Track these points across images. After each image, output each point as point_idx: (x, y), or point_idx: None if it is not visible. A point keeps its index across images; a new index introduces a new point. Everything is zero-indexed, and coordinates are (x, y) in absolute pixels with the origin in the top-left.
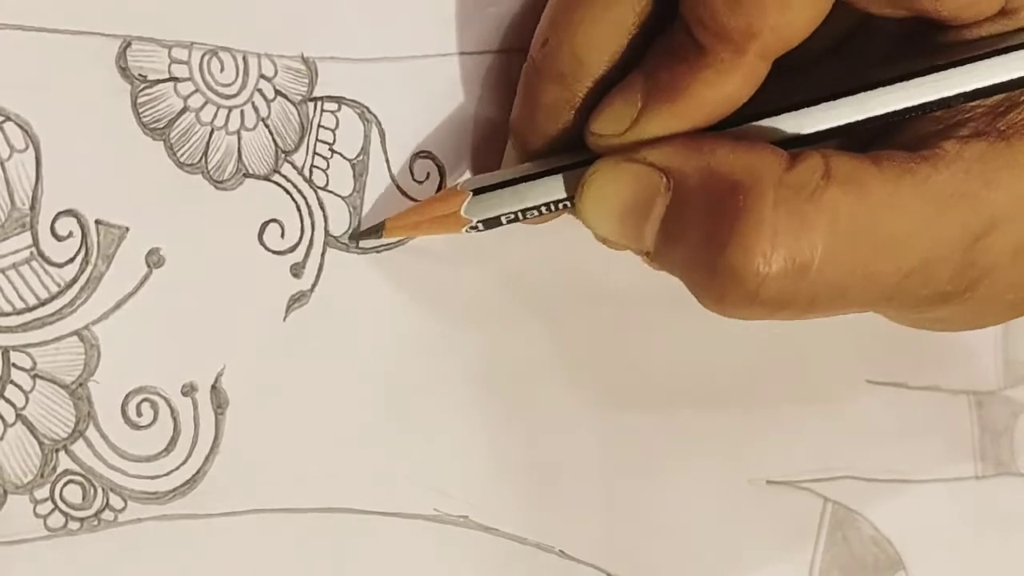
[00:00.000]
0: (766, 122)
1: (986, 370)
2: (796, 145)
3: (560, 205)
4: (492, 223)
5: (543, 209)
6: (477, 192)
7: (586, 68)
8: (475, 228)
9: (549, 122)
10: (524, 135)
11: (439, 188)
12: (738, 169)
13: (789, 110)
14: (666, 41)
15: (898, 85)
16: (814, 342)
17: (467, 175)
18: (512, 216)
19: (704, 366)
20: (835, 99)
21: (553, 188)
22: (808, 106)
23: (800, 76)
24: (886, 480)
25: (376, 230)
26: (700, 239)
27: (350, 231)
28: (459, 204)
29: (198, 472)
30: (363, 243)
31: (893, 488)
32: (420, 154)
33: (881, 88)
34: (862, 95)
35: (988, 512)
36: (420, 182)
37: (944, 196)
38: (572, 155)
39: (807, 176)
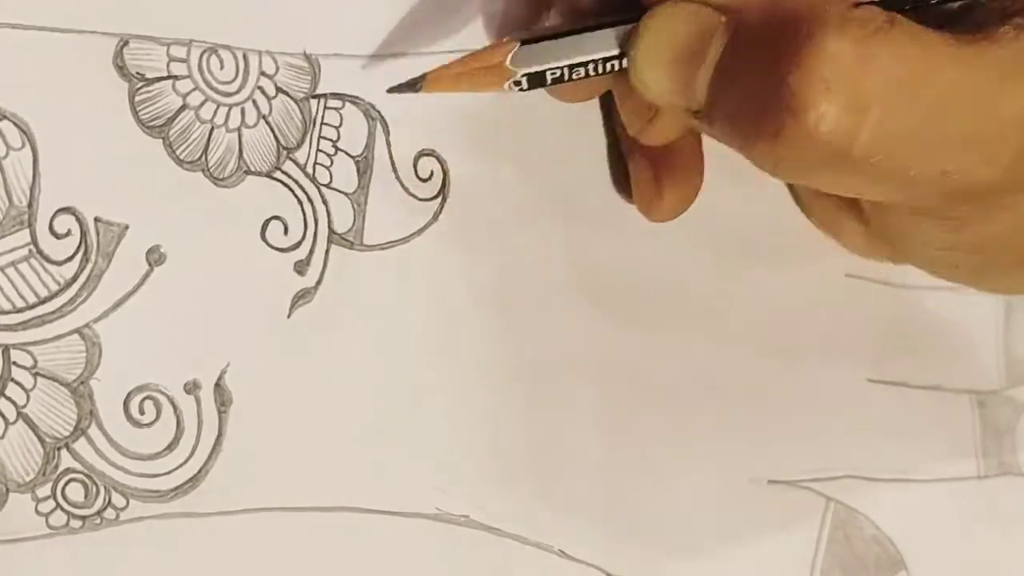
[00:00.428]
0: None
1: (988, 369)
2: None
3: (609, 65)
4: (537, 80)
5: (592, 69)
6: (525, 42)
7: None
8: (519, 84)
9: None
10: None
11: (443, 186)
12: (802, 2)
13: None
14: None
15: None
16: (815, 341)
17: (471, 173)
18: (558, 73)
19: (705, 365)
20: None
21: (604, 43)
22: None
23: None
24: (888, 479)
25: (415, 83)
26: (759, 75)
27: (361, 233)
28: (506, 54)
29: (201, 470)
30: (395, 95)
31: (895, 487)
32: (424, 151)
33: None
34: None
35: (990, 511)
36: (424, 180)
37: (1005, 69)
38: (624, 13)
39: (872, 15)
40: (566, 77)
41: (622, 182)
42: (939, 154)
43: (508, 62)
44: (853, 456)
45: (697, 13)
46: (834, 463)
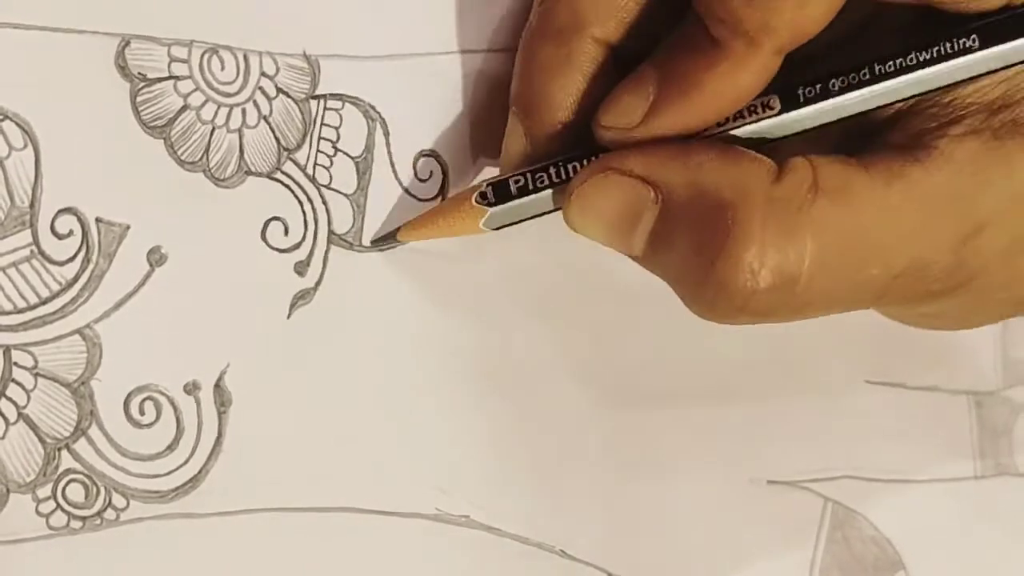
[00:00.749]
0: (763, 123)
1: (986, 370)
2: (791, 137)
3: None
4: (507, 226)
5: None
6: (493, 205)
7: (583, 23)
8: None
9: (549, 87)
10: (525, 106)
11: (442, 187)
12: (725, 185)
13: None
14: (679, 34)
15: (896, 78)
16: (814, 342)
17: (471, 174)
18: (526, 219)
19: (705, 366)
20: (833, 94)
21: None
22: (805, 104)
23: (807, 67)
24: (886, 480)
25: (391, 239)
26: (689, 252)
27: (360, 234)
28: (477, 219)
29: (201, 471)
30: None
31: (893, 488)
32: (424, 152)
33: (883, 81)
34: (862, 90)
35: (988, 512)
36: (424, 180)
37: (935, 199)
38: (577, 150)
39: (794, 189)
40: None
41: None
42: (871, 288)
43: (481, 226)
44: (852, 457)
45: (626, 186)
46: (833, 464)
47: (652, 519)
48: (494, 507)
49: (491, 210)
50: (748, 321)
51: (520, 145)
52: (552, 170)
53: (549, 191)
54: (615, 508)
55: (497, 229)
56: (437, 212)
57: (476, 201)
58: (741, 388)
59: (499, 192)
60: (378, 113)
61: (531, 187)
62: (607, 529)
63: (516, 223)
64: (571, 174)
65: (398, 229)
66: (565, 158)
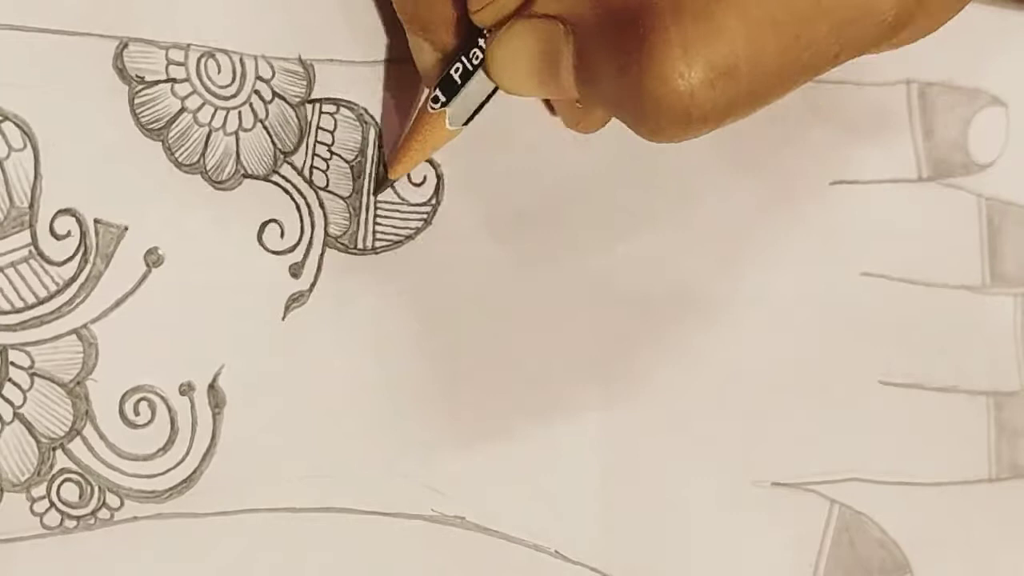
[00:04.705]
0: None
1: (1008, 370)
2: None
3: None
4: (472, 118)
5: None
6: (448, 104)
7: None
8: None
9: (434, 6)
10: (422, 23)
11: (436, 190)
12: None
13: None
14: None
15: None
16: (826, 341)
17: (464, 177)
18: (484, 103)
19: (708, 366)
20: None
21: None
22: None
23: None
24: (895, 483)
25: (385, 181)
26: (615, 76)
27: (355, 237)
28: (443, 124)
29: (195, 471)
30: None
31: (902, 491)
32: None
33: None
34: None
35: (1000, 516)
36: (417, 184)
37: None
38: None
39: None
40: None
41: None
42: (825, 48)
43: (448, 126)
44: (860, 458)
45: (535, 28)
46: (840, 465)
47: (651, 520)
48: (489, 508)
49: (449, 109)
50: (704, 127)
51: (431, 56)
52: (481, 41)
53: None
54: (613, 509)
55: (467, 124)
56: (408, 138)
57: (431, 108)
58: (747, 387)
59: (446, 88)
60: (372, 117)
61: (471, 67)
62: (603, 530)
63: (478, 111)
64: None
65: (387, 173)
66: (487, 30)
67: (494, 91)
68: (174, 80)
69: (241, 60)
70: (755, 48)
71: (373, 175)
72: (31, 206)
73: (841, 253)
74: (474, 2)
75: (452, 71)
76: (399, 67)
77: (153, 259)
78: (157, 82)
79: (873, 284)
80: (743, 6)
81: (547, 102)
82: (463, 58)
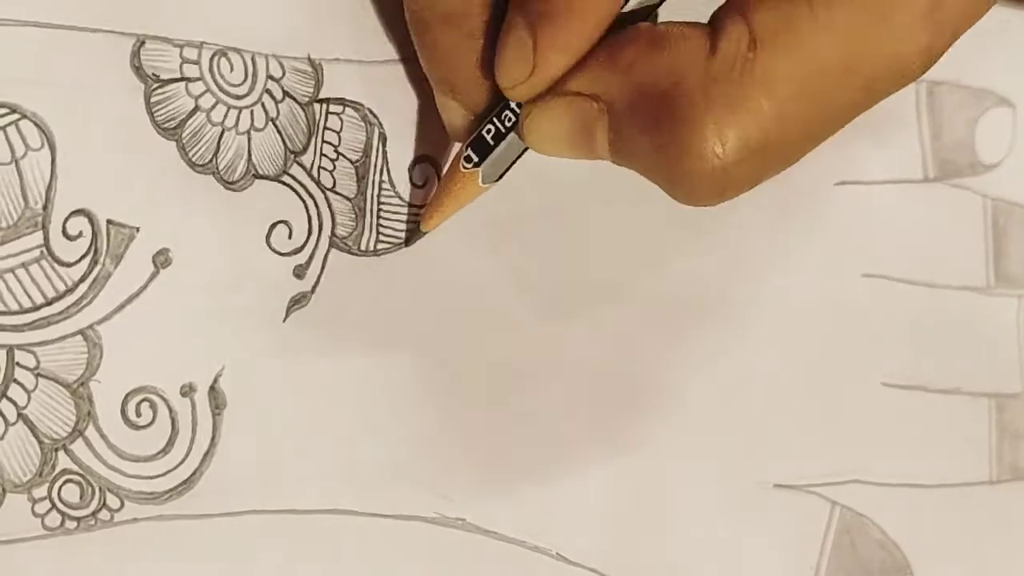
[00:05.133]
0: None
1: (1010, 372)
2: None
3: None
4: (503, 174)
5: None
6: (480, 164)
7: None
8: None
9: (466, 64)
10: (452, 86)
11: None
12: (661, 75)
13: None
14: None
15: None
16: (828, 343)
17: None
18: (513, 162)
19: (709, 367)
20: None
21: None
22: None
23: None
24: (896, 484)
25: (418, 233)
26: (651, 152)
27: (360, 238)
28: (476, 182)
29: (195, 473)
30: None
31: (903, 492)
32: (420, 158)
33: None
34: None
35: (1001, 518)
36: (419, 186)
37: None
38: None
39: (732, 54)
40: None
41: None
42: (854, 104)
43: (481, 183)
44: (861, 460)
45: (569, 106)
46: (841, 467)
47: (652, 522)
48: (490, 510)
49: (481, 169)
50: (737, 194)
51: (461, 116)
52: (513, 104)
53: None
54: (615, 511)
55: (498, 180)
56: (441, 194)
57: (463, 167)
58: (749, 389)
59: (478, 148)
60: (376, 118)
61: (503, 129)
62: (605, 532)
63: (510, 167)
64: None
65: (418, 225)
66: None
67: (525, 151)
68: (188, 79)
69: (253, 59)
70: (785, 124)
71: (380, 170)
72: (45, 207)
73: (845, 254)
74: (505, 79)
75: (484, 132)
76: (404, 67)
77: (162, 260)
78: (172, 80)
79: (877, 285)
80: (771, 86)
81: None
82: (495, 120)
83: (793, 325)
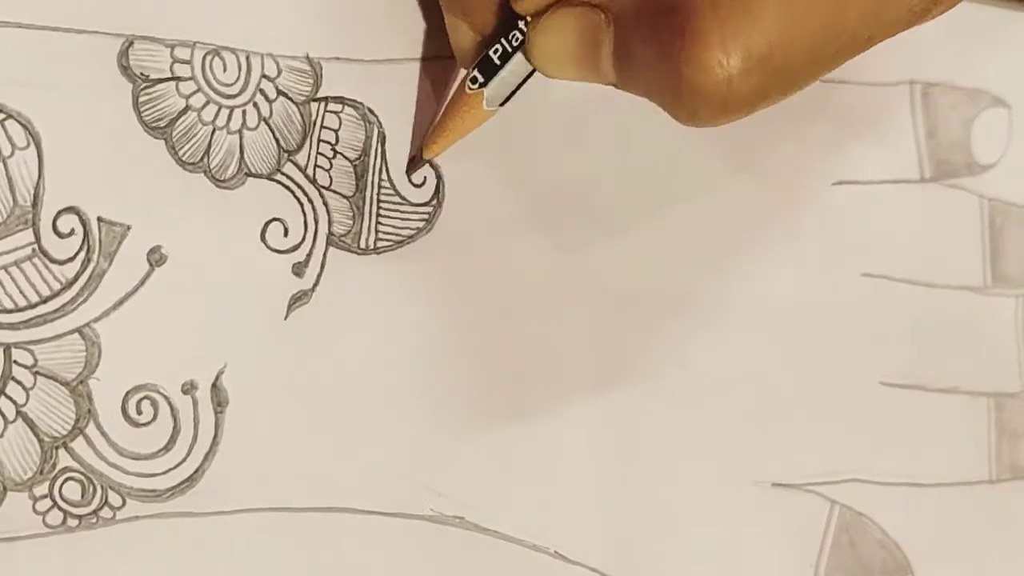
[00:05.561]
0: None
1: (1008, 371)
2: None
3: None
4: (508, 99)
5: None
6: (485, 84)
7: None
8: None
9: None
10: (461, 6)
11: (436, 192)
12: None
13: None
14: None
15: None
16: (827, 342)
17: (466, 178)
18: (521, 85)
19: (708, 366)
20: None
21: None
22: None
23: None
24: (896, 484)
25: (419, 161)
26: (655, 64)
27: (359, 236)
28: (480, 104)
29: (197, 470)
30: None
31: (903, 492)
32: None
33: None
34: None
35: (1001, 517)
36: (418, 186)
37: None
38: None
39: None
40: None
41: None
42: (858, 30)
43: (485, 106)
44: (860, 459)
45: (578, 16)
46: (841, 466)
47: (651, 521)
48: (489, 508)
49: (487, 90)
50: (739, 113)
51: (469, 37)
52: (521, 23)
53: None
54: (612, 509)
55: (503, 104)
56: (444, 118)
57: (469, 88)
58: (749, 388)
59: (485, 69)
60: (376, 117)
61: (510, 50)
62: (603, 531)
63: (515, 92)
64: None
65: (420, 152)
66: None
67: (532, 73)
68: (179, 78)
69: (247, 58)
70: (789, 36)
71: (379, 169)
72: (34, 204)
73: (843, 254)
74: None
75: (491, 52)
76: (406, 66)
77: (156, 258)
78: (161, 80)
79: (875, 285)
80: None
81: None
82: (502, 40)
83: (792, 325)
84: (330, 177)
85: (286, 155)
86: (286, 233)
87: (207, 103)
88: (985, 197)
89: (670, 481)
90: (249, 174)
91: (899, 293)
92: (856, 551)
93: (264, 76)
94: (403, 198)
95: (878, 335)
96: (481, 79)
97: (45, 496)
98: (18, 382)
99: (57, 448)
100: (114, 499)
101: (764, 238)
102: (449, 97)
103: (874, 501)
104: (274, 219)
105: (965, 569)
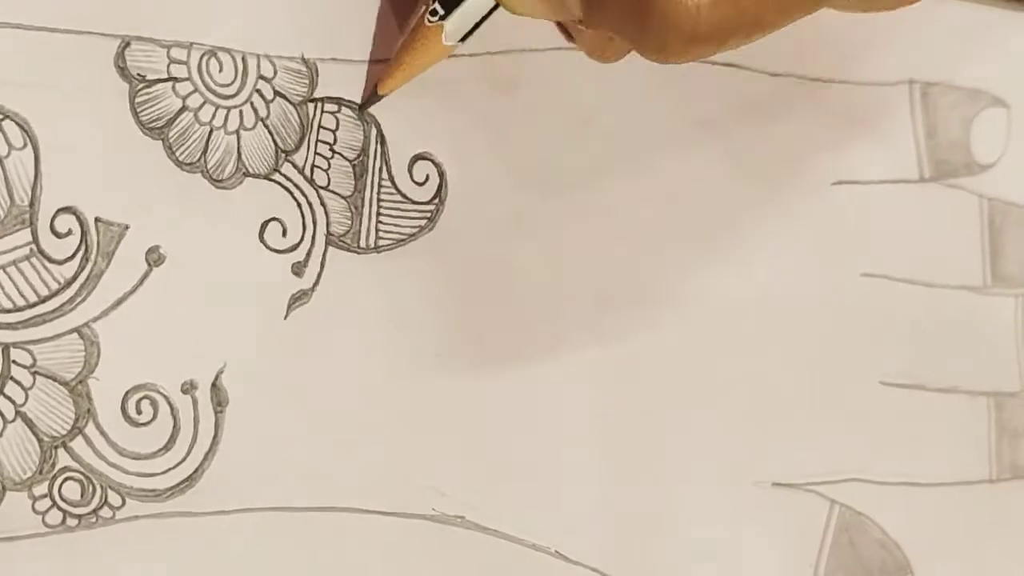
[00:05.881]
0: None
1: (1008, 371)
2: None
3: None
4: (469, 35)
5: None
6: (445, 17)
7: None
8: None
9: None
10: None
11: (438, 189)
12: None
13: None
14: None
15: None
16: (827, 342)
17: (467, 176)
18: (481, 21)
19: (708, 366)
20: None
21: None
22: None
23: None
24: (896, 483)
25: (374, 97)
26: None
27: (358, 236)
28: (440, 38)
29: (197, 470)
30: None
31: (903, 491)
32: (420, 155)
33: None
34: None
35: (1001, 517)
36: (420, 183)
37: None
38: None
39: None
40: (489, 16)
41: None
42: None
43: (444, 41)
44: (860, 459)
45: None
46: (841, 466)
47: (651, 521)
48: (490, 508)
49: (447, 23)
50: (704, 51)
51: None
52: None
53: None
54: (613, 509)
55: (463, 41)
56: (401, 51)
57: (428, 20)
58: (749, 388)
59: (446, 1)
60: (372, 117)
61: None
62: (604, 530)
63: (475, 29)
64: None
65: (376, 87)
66: None
67: (495, 8)
68: (175, 79)
69: (243, 59)
70: None
71: (380, 168)
72: (31, 204)
73: (842, 253)
74: None
75: (476, 28)
76: None
77: (154, 258)
78: (158, 81)
79: (874, 284)
80: None
81: (563, 29)
82: (487, 15)
83: (791, 324)
84: (328, 177)
85: (284, 155)
86: (284, 233)
87: (204, 103)
88: (985, 197)
89: (670, 481)
90: (247, 174)
91: (899, 293)
92: (856, 551)
93: (261, 77)
94: (404, 196)
95: (878, 335)
96: (441, 11)
97: (44, 496)
98: (17, 382)
99: (56, 448)
100: (114, 499)
101: (764, 238)
102: (408, 30)
103: (874, 501)
104: (272, 219)
105: (965, 569)
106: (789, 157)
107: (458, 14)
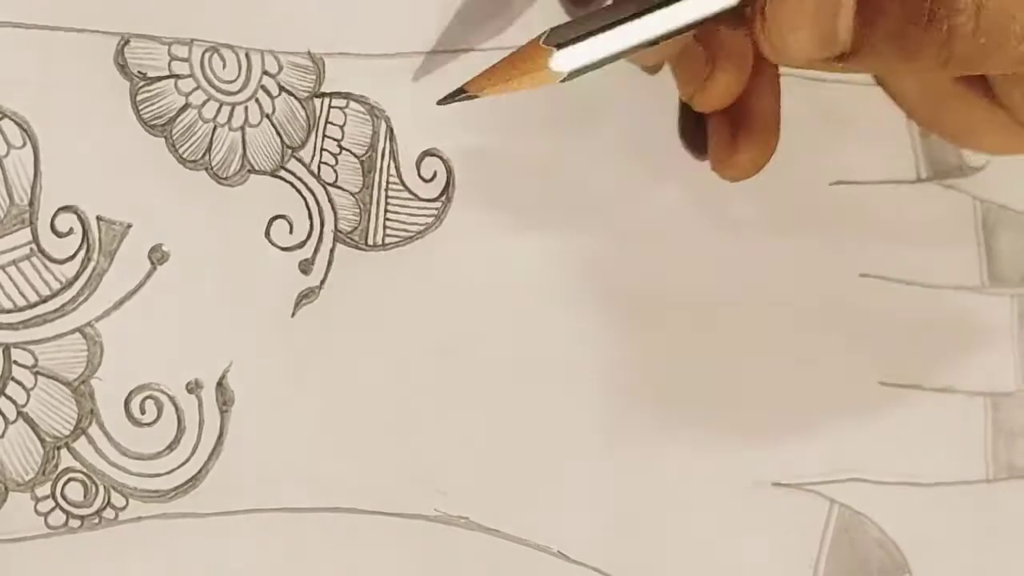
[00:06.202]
0: None
1: (1004, 371)
2: None
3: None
4: (582, 72)
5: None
6: (560, 46)
7: None
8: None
9: None
10: None
11: (446, 186)
12: None
13: None
14: None
15: None
16: (826, 342)
17: (475, 173)
18: (602, 61)
19: (708, 366)
20: None
21: (651, 26)
22: None
23: None
24: (894, 483)
25: (460, 93)
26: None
27: (366, 233)
28: (544, 61)
29: (201, 470)
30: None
31: (901, 491)
32: (428, 152)
33: None
34: None
35: (998, 516)
36: (427, 180)
37: None
38: None
39: None
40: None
41: (691, 139)
42: None
43: (552, 67)
44: (860, 459)
45: None
46: (840, 466)
47: (652, 521)
48: (493, 508)
49: (558, 52)
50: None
51: None
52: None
53: (625, 25)
54: (614, 510)
55: (568, 79)
56: (506, 60)
57: (543, 43)
58: (748, 388)
59: (566, 30)
60: (382, 111)
61: (610, 22)
62: (607, 531)
63: (587, 69)
64: None
65: (465, 85)
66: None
67: (620, 55)
68: (177, 76)
69: (247, 55)
70: None
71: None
72: (31, 204)
73: (840, 253)
74: None
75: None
76: (411, 60)
77: (158, 256)
78: (160, 78)
79: (872, 284)
80: None
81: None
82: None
83: (790, 324)
84: (336, 173)
85: (290, 151)
86: (291, 230)
87: (207, 100)
88: (978, 199)
89: (671, 481)
90: (252, 171)
91: (896, 293)
92: (855, 550)
93: (265, 72)
94: (412, 193)
95: (876, 334)
96: (554, 40)
97: (47, 497)
98: (18, 382)
99: (59, 448)
100: (117, 500)
101: (762, 238)
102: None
103: (873, 500)
104: (279, 216)
105: (963, 568)
106: (787, 157)
107: (574, 49)
